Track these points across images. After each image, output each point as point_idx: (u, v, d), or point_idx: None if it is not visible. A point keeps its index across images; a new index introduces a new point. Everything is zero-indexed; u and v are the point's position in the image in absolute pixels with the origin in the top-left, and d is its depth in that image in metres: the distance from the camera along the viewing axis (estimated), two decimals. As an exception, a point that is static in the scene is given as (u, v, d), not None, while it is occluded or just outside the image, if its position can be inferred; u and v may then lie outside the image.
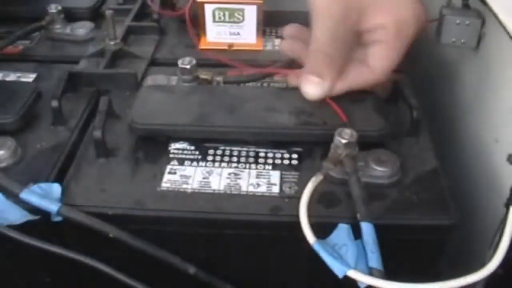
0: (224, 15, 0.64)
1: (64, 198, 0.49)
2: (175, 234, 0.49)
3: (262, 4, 0.63)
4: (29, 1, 0.75)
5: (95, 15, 0.74)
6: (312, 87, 0.52)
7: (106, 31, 0.67)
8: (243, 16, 0.64)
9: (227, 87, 0.57)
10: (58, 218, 0.48)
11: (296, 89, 0.57)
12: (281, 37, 0.65)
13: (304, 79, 0.52)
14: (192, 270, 0.49)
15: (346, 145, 0.48)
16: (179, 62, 0.58)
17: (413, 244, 0.49)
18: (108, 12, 0.61)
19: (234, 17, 0.64)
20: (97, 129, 0.52)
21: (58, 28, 0.69)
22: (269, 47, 0.67)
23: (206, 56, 0.63)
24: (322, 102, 0.53)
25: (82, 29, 0.69)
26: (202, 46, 0.67)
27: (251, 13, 0.63)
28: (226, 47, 0.65)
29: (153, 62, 0.65)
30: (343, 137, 0.48)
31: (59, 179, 0.52)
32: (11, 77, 0.63)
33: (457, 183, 0.59)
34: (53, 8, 0.68)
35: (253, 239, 0.49)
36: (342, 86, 0.53)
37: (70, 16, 0.70)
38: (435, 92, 0.71)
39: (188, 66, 0.57)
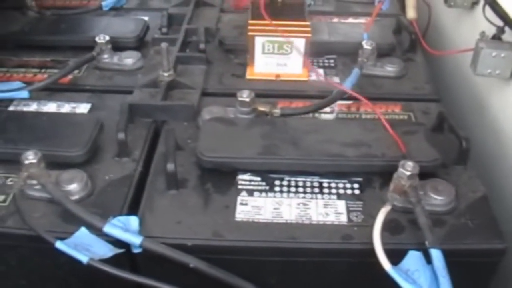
0: (273, 47, 0.70)
1: (141, 230, 0.54)
2: (249, 262, 0.54)
3: (310, 37, 0.69)
4: (74, 31, 0.81)
5: (140, 44, 0.79)
6: None
7: (152, 60, 0.73)
8: (291, 48, 0.70)
9: (286, 120, 0.63)
10: (138, 250, 0.52)
11: (351, 121, 0.63)
12: (325, 67, 0.72)
13: None
14: (265, 296, 0.54)
15: (410, 176, 0.54)
16: (238, 95, 0.63)
17: (468, 266, 0.55)
18: (164, 45, 0.66)
19: (282, 49, 0.70)
20: (170, 163, 0.56)
21: (106, 58, 0.73)
22: (313, 77, 0.73)
23: (254, 85, 0.69)
24: (379, 133, 0.60)
25: (129, 58, 0.74)
26: (249, 76, 0.72)
27: (299, 45, 0.69)
28: (273, 78, 0.71)
29: (204, 92, 0.70)
30: (407, 169, 0.54)
31: (131, 210, 0.56)
32: (66, 107, 0.68)
33: (504, 208, 0.66)
34: (101, 39, 0.73)
35: (325, 266, 0.54)
36: None
37: (116, 45, 0.75)
38: (466, 121, 0.78)
39: (247, 99, 0.62)
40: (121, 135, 0.60)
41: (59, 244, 0.50)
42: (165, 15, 0.82)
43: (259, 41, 0.69)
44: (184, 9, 0.85)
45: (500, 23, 0.67)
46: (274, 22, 0.70)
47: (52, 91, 0.70)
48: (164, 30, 0.79)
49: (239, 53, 0.77)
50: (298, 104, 0.68)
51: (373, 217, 0.53)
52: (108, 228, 0.52)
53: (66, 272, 0.57)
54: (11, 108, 0.69)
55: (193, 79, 0.70)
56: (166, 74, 0.67)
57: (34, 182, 0.56)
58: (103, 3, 0.89)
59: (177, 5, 0.88)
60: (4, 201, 0.57)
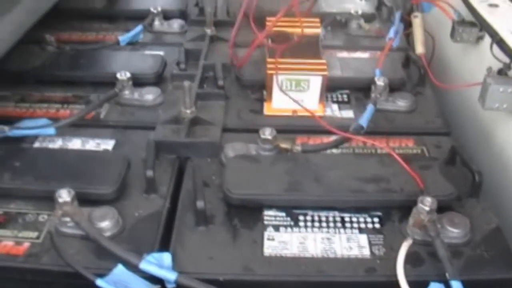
0: (291, 84, 0.74)
1: (174, 266, 0.57)
2: (277, 296, 0.58)
3: (327, 75, 0.73)
4: (93, 66, 0.85)
5: (159, 79, 0.82)
6: None
7: (171, 95, 0.77)
8: (308, 85, 0.74)
9: (308, 156, 0.67)
10: (172, 286, 0.56)
11: (369, 156, 0.67)
12: (339, 102, 0.76)
13: None
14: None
15: (429, 211, 0.58)
16: (260, 132, 0.67)
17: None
18: (186, 83, 0.70)
19: (300, 86, 0.74)
20: (200, 200, 0.60)
21: (127, 94, 0.77)
22: (328, 112, 0.77)
23: (272, 121, 0.73)
24: (396, 168, 0.64)
25: (150, 94, 0.77)
26: (267, 112, 0.77)
27: (316, 82, 0.74)
28: (290, 113, 0.75)
29: (224, 128, 0.74)
30: (425, 205, 0.58)
31: (162, 246, 0.60)
32: (91, 143, 0.71)
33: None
34: (123, 75, 0.77)
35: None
36: None
37: (135, 81, 0.79)
38: (474, 152, 0.82)
39: (269, 137, 0.67)
40: (150, 173, 0.63)
41: (100, 282, 0.53)
42: (183, 51, 0.86)
43: (278, 79, 0.74)
44: (199, 44, 0.90)
45: (506, 60, 0.72)
46: (291, 60, 0.75)
47: (75, 126, 0.73)
48: (182, 66, 0.83)
49: (255, 88, 0.81)
50: (315, 139, 0.72)
51: (394, 250, 0.58)
52: (144, 265, 0.55)
53: (99, 307, 0.61)
54: (36, 145, 0.72)
55: (213, 115, 0.74)
56: (188, 111, 0.71)
57: (67, 219, 0.60)
58: (120, 38, 0.93)
59: (192, 39, 0.92)
60: (38, 237, 0.60)
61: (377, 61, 0.83)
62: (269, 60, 0.75)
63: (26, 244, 0.59)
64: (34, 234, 0.60)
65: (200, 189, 0.62)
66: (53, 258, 0.58)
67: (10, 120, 0.75)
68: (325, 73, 0.74)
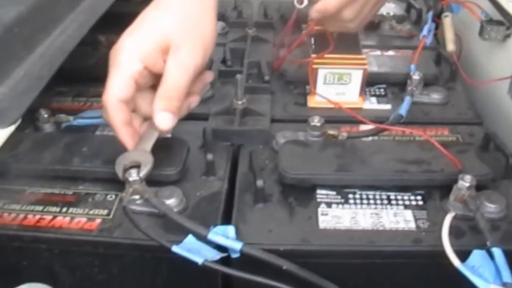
0: (333, 78, 0.83)
1: (237, 238, 0.65)
2: (332, 265, 0.65)
3: (367, 69, 0.82)
4: None
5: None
6: (166, 122, 0.66)
7: (220, 90, 0.87)
8: (350, 79, 0.83)
9: (354, 142, 0.76)
10: (236, 255, 0.64)
11: (410, 142, 0.76)
12: (377, 96, 0.86)
13: (159, 116, 0.66)
14: (345, 295, 0.66)
15: (468, 188, 0.66)
16: (309, 120, 0.76)
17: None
18: (239, 76, 0.79)
19: (342, 80, 0.83)
20: (259, 179, 0.68)
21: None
22: (367, 104, 0.86)
23: (316, 113, 0.82)
24: (435, 153, 0.73)
25: (201, 89, 0.86)
26: (311, 104, 0.85)
27: (357, 76, 0.83)
28: (332, 106, 0.84)
29: (272, 119, 0.82)
30: (466, 181, 0.66)
31: (224, 222, 0.68)
32: (150, 133, 0.80)
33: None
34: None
35: (397, 267, 0.66)
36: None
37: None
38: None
39: (318, 124, 0.75)
40: (210, 157, 0.72)
41: (175, 248, 0.61)
42: (228, 50, 0.96)
43: (321, 73, 0.83)
44: (240, 44, 1.00)
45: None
46: (333, 55, 0.83)
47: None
48: (229, 63, 0.92)
49: (298, 84, 0.90)
50: (357, 128, 0.81)
51: (437, 224, 0.66)
52: (212, 236, 0.63)
53: (164, 279, 0.68)
54: (97, 133, 0.81)
55: (261, 107, 0.83)
56: (239, 102, 0.80)
57: (136, 197, 0.68)
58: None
59: (234, 40, 1.01)
60: (108, 214, 0.68)
61: (411, 58, 0.92)
62: (313, 55, 0.84)
63: (98, 220, 0.67)
64: (104, 212, 0.68)
65: (258, 170, 0.71)
66: (124, 232, 0.66)
67: (69, 113, 0.84)
68: (366, 67, 0.82)
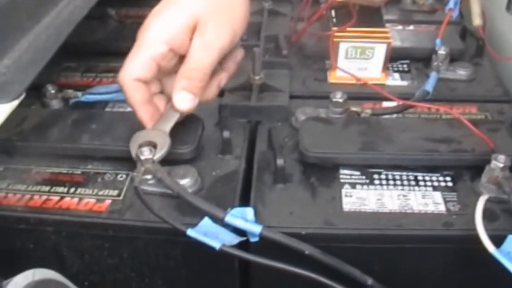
0: (356, 52, 0.77)
1: (256, 220, 0.60)
2: (356, 250, 0.60)
3: (391, 43, 0.76)
4: None
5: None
6: (185, 102, 0.63)
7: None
8: (372, 53, 0.77)
9: (379, 119, 0.70)
10: (255, 239, 0.59)
11: (437, 120, 0.70)
12: (400, 71, 0.80)
13: (178, 96, 0.63)
14: (370, 281, 0.60)
15: (502, 168, 0.61)
16: (331, 96, 0.70)
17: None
18: (256, 50, 0.73)
19: (364, 54, 0.77)
20: (279, 158, 0.63)
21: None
22: (390, 80, 0.81)
23: (337, 89, 0.76)
24: (465, 131, 0.67)
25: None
26: (332, 80, 0.80)
27: (380, 50, 0.77)
28: (354, 81, 0.78)
29: (290, 95, 0.77)
30: (500, 162, 0.61)
31: (241, 203, 0.63)
32: (160, 110, 0.74)
33: None
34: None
35: (426, 252, 0.61)
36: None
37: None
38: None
39: (341, 100, 0.70)
40: (226, 134, 0.67)
41: (190, 232, 0.56)
42: (244, 23, 0.89)
43: (343, 47, 0.77)
44: (256, 18, 0.92)
45: None
46: (356, 29, 0.78)
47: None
48: (245, 37, 0.85)
49: (317, 59, 0.84)
50: (380, 105, 0.76)
51: (469, 207, 0.61)
52: (229, 218, 0.58)
53: (178, 263, 0.63)
54: (107, 109, 0.76)
55: (279, 83, 0.77)
56: (257, 77, 0.74)
57: (148, 177, 0.63)
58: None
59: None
60: (119, 195, 0.63)
61: (434, 33, 0.86)
62: (334, 28, 0.78)
63: (108, 201, 0.62)
64: (114, 192, 0.64)
65: (279, 148, 0.65)
66: (135, 214, 0.61)
67: (78, 89, 0.79)
68: (390, 41, 0.76)
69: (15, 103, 0.59)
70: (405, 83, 0.81)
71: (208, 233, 0.58)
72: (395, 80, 0.81)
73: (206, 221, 0.58)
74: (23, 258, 0.65)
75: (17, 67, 0.62)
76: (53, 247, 0.63)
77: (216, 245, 0.56)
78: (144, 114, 0.63)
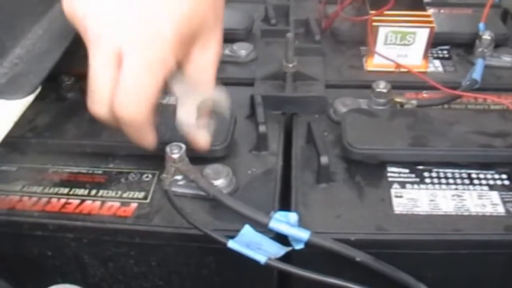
0: (396, 37, 0.70)
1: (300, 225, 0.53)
2: (408, 256, 0.54)
3: (434, 28, 0.69)
4: None
5: (248, 35, 0.78)
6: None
7: (263, 52, 0.73)
8: (414, 38, 0.70)
9: (426, 111, 0.63)
10: (300, 246, 0.52)
11: (488, 111, 0.63)
12: (440, 58, 0.73)
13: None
14: (423, 289, 0.54)
15: None
16: (374, 86, 0.64)
17: None
18: (290, 35, 0.66)
19: (405, 40, 0.70)
20: (323, 155, 0.56)
21: (218, 50, 0.72)
22: (431, 68, 0.73)
23: (375, 77, 0.69)
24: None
25: (242, 50, 0.74)
26: (369, 67, 0.73)
27: (422, 36, 0.70)
28: (392, 69, 0.71)
29: (325, 84, 0.70)
30: (560, 157, 0.55)
31: (280, 206, 0.56)
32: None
33: None
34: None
35: (484, 258, 0.55)
36: None
37: (225, 36, 0.73)
38: None
39: (385, 90, 0.63)
40: (263, 128, 0.60)
41: (232, 244, 0.50)
42: (271, 6, 0.82)
43: (382, 32, 0.70)
44: (282, 0, 0.86)
45: None
46: (396, 12, 0.70)
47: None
48: (273, 21, 0.79)
49: (351, 45, 0.77)
50: (423, 95, 0.68)
51: (530, 208, 0.55)
52: (274, 224, 0.51)
53: (211, 271, 0.57)
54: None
55: (313, 71, 0.70)
56: (290, 65, 0.67)
57: (178, 177, 0.56)
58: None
59: (276, -4, 0.88)
60: (145, 198, 0.56)
61: (474, 17, 0.79)
62: (372, 12, 0.71)
63: (133, 205, 0.56)
64: (140, 194, 0.57)
65: (322, 144, 0.58)
66: (165, 219, 0.54)
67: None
68: (433, 25, 0.69)
69: (30, 98, 0.52)
70: (447, 69, 0.74)
71: (250, 243, 0.51)
72: (436, 68, 0.74)
73: (247, 230, 0.51)
74: (40, 266, 0.58)
75: (31, 57, 0.55)
76: (74, 255, 0.57)
77: (262, 258, 0.49)
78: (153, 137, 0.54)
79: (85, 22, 0.49)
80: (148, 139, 0.53)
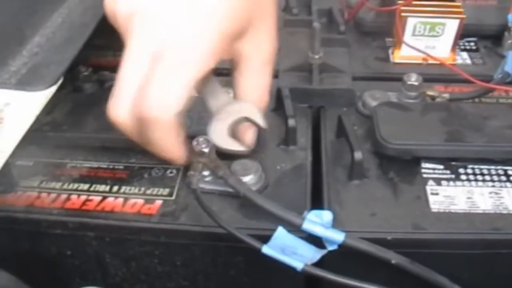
0: (424, 28, 0.67)
1: (334, 224, 0.50)
2: (443, 255, 0.51)
3: (464, 19, 0.66)
4: None
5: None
6: None
7: (285, 42, 0.68)
8: (443, 30, 0.67)
9: (459, 105, 0.60)
10: (333, 247, 0.49)
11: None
12: (468, 50, 0.70)
13: None
14: (458, 291, 0.52)
15: None
16: (405, 78, 0.61)
17: None
18: (316, 25, 0.63)
19: (434, 31, 0.67)
20: (357, 151, 0.53)
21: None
22: (459, 60, 0.70)
23: (402, 69, 0.66)
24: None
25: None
26: (396, 59, 0.70)
27: (452, 27, 0.67)
28: (420, 61, 0.68)
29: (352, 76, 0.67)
30: None
31: (313, 203, 0.53)
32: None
33: None
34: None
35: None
36: None
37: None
38: None
39: (416, 83, 0.60)
40: (292, 122, 0.57)
41: (266, 249, 0.47)
42: (293, -4, 0.80)
43: (411, 22, 0.67)
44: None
45: None
46: (425, 2, 0.67)
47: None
48: (295, 11, 0.76)
49: (376, 36, 0.74)
50: (453, 88, 0.66)
51: None
52: (307, 225, 0.48)
53: (240, 271, 0.54)
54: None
55: (339, 62, 0.67)
56: (316, 56, 0.64)
57: (205, 173, 0.53)
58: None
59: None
60: (170, 194, 0.53)
61: (499, 8, 0.74)
62: (400, 2, 0.68)
63: (158, 202, 0.53)
64: (165, 191, 0.54)
65: (355, 139, 0.55)
66: (192, 217, 0.51)
67: (113, 70, 0.66)
68: (463, 16, 0.66)
69: (52, 89, 0.49)
70: (475, 62, 0.71)
71: (284, 247, 0.48)
72: (464, 60, 0.71)
73: (280, 232, 0.49)
74: (58, 265, 0.56)
75: (51, 46, 0.51)
76: (94, 254, 0.54)
77: (298, 265, 0.46)
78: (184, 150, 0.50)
79: (130, 20, 0.46)
80: (175, 151, 0.48)
